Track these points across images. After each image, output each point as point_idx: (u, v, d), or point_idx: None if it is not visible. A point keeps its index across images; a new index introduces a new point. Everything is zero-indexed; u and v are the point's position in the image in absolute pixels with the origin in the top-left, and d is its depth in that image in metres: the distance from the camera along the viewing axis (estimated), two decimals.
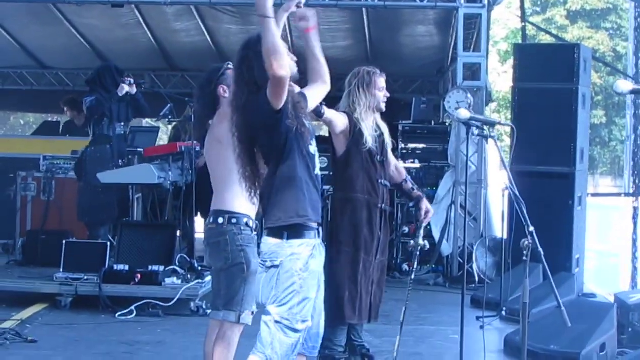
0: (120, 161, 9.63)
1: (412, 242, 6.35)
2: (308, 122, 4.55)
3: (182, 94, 11.52)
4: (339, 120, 6.32)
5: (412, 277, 6.45)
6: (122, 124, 9.91)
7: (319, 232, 4.55)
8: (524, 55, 10.28)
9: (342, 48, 13.84)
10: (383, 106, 6.56)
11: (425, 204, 6.45)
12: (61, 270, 8.69)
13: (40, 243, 9.81)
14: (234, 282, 4.95)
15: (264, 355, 4.39)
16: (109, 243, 9.04)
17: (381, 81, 6.56)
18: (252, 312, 5.03)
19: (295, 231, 4.43)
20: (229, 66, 5.24)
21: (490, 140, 6.27)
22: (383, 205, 6.44)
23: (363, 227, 6.33)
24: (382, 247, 6.47)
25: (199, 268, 8.85)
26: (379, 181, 6.41)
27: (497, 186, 11.21)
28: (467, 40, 11.33)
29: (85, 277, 8.54)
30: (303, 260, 4.41)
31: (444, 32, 12.76)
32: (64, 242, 8.93)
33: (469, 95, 10.48)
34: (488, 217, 11.11)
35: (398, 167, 6.73)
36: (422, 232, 6.39)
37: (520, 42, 16.60)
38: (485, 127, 6.17)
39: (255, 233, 5.16)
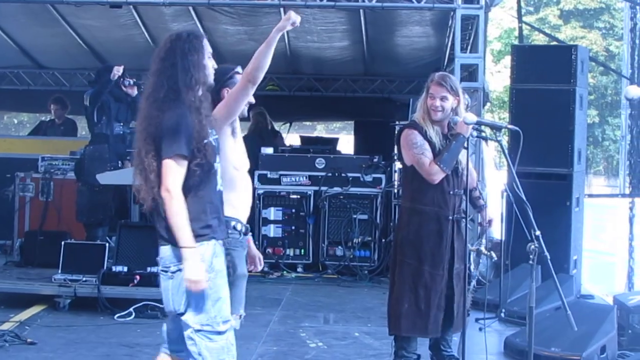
0: (120, 162, 9.61)
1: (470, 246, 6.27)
2: (213, 138, 4.51)
3: None
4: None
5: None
6: (122, 124, 9.87)
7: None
8: (521, 56, 10.25)
9: (338, 49, 13.85)
10: (434, 115, 6.12)
11: (487, 213, 6.43)
12: (59, 271, 8.67)
13: (38, 244, 9.79)
14: None
15: None
16: (107, 244, 9.03)
17: (433, 88, 6.14)
18: (240, 316, 5.10)
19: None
20: (238, 70, 5.21)
21: (489, 142, 6.28)
22: (455, 216, 6.14)
23: (429, 240, 6.09)
24: (458, 255, 6.16)
25: None
26: (450, 192, 6.13)
27: (493, 187, 11.21)
28: (463, 41, 11.26)
29: (84, 279, 8.51)
30: (207, 260, 4.39)
31: (440, 33, 12.73)
32: (62, 243, 8.91)
33: (467, 96, 10.42)
34: None
35: (472, 174, 6.38)
36: (483, 240, 6.42)
37: (515, 42, 16.54)
38: (488, 130, 6.11)
39: (244, 236, 5.21)
